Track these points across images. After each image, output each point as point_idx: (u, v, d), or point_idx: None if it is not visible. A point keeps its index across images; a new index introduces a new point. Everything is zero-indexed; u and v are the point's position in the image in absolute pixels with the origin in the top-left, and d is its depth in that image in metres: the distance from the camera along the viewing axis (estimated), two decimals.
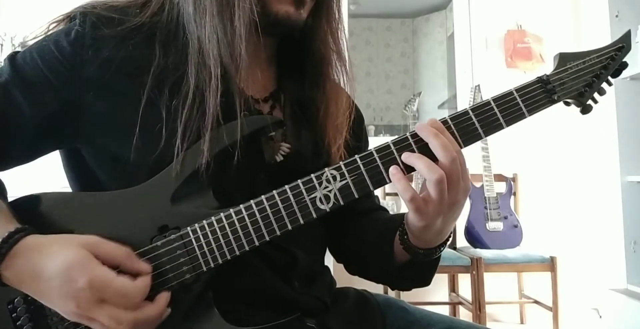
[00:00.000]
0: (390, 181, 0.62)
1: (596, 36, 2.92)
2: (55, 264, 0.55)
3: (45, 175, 0.89)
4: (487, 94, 2.61)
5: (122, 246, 0.59)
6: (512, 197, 2.80)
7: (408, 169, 0.62)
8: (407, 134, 0.64)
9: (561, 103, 0.67)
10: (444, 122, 0.63)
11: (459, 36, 3.29)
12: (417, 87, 5.70)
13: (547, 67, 3.04)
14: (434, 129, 0.61)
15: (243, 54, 0.65)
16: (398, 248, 0.72)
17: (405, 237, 0.69)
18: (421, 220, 0.63)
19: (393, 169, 0.61)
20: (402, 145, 0.63)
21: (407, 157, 0.61)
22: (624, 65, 0.67)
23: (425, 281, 0.78)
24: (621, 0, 2.35)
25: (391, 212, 0.88)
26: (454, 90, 3.72)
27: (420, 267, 0.74)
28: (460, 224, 2.76)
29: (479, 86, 2.86)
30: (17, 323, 0.60)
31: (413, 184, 2.63)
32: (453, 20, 3.41)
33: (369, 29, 5.85)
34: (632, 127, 2.29)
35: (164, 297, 0.59)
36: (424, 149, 0.62)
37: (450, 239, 0.71)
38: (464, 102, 3.11)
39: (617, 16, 2.35)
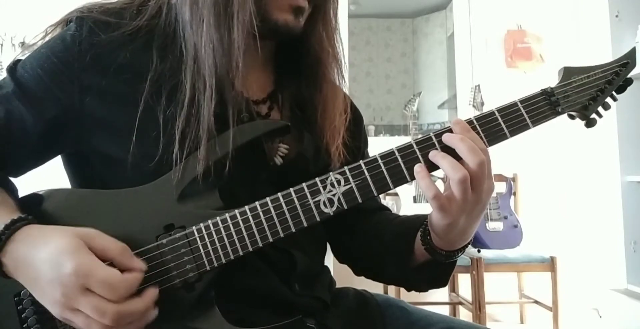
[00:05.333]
0: (410, 181, 0.63)
1: (596, 36, 2.91)
2: (47, 249, 0.55)
3: (46, 174, 0.89)
4: (487, 94, 2.60)
5: (119, 242, 0.58)
6: (512, 197, 2.80)
7: (430, 168, 0.62)
8: (431, 133, 0.64)
9: (565, 116, 0.68)
10: (449, 130, 0.63)
11: (459, 36, 3.29)
12: (417, 87, 5.70)
13: (547, 67, 3.04)
14: (458, 134, 0.62)
15: (240, 66, 0.65)
16: (418, 249, 0.72)
17: (428, 237, 0.69)
18: (444, 218, 0.63)
19: (417, 168, 0.62)
20: (425, 144, 0.63)
21: (433, 156, 0.62)
22: (629, 81, 0.67)
23: (442, 282, 0.77)
24: (621, 0, 2.35)
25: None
26: (454, 90, 3.72)
27: (439, 268, 0.73)
28: None
29: (479, 85, 2.85)
30: (22, 315, 0.61)
31: (412, 185, 2.60)
32: (453, 20, 3.41)
33: (369, 29, 5.86)
34: (632, 127, 2.29)
35: (151, 292, 0.58)
36: (448, 148, 0.62)
37: (471, 242, 0.71)
38: (464, 102, 3.11)
39: (617, 16, 2.35)
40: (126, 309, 0.55)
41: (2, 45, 2.89)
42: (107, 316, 0.54)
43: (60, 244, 0.55)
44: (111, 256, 0.57)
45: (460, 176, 0.59)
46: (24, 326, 0.61)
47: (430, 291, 0.78)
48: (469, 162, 0.60)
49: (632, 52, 0.68)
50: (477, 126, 0.64)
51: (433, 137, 0.63)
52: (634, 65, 0.67)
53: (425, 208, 2.68)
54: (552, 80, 0.67)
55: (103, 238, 0.58)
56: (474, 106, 2.78)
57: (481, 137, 0.64)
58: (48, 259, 0.55)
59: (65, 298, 0.54)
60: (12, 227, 0.58)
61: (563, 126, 3.05)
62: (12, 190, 0.68)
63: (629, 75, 0.67)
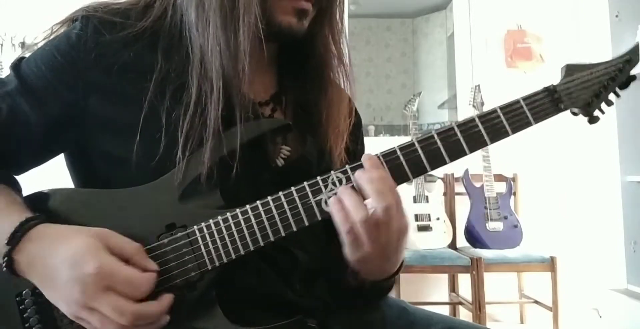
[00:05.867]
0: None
1: (596, 36, 2.92)
2: (66, 249, 0.56)
3: (49, 173, 0.89)
4: (487, 94, 2.60)
5: (133, 242, 0.59)
6: (512, 197, 2.80)
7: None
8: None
9: (567, 114, 0.68)
10: (450, 129, 0.64)
11: (459, 36, 3.29)
12: (417, 87, 5.70)
13: (547, 67, 3.04)
14: (368, 173, 0.61)
15: (246, 69, 0.65)
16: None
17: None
18: (354, 253, 0.62)
19: (333, 200, 0.61)
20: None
21: (341, 192, 0.61)
22: (632, 78, 0.67)
23: (378, 299, 0.78)
24: (621, 0, 2.35)
25: None
26: (454, 90, 3.72)
27: (369, 295, 0.73)
28: (460, 224, 2.76)
29: (479, 85, 2.86)
30: (24, 315, 0.61)
31: (412, 185, 2.59)
32: (453, 20, 3.41)
33: (369, 29, 5.85)
34: (632, 127, 2.29)
35: (167, 297, 0.59)
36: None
37: (400, 270, 0.70)
38: (464, 102, 3.11)
39: (617, 16, 2.35)
40: (144, 311, 0.56)
41: (2, 45, 2.89)
42: (126, 315, 0.55)
43: (80, 244, 0.56)
44: (127, 255, 0.58)
45: (361, 216, 0.58)
46: (26, 325, 0.61)
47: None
48: (375, 207, 0.59)
49: (635, 48, 0.67)
50: (479, 124, 0.64)
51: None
52: (637, 61, 0.67)
53: (425, 208, 2.68)
54: (552, 80, 0.67)
55: (118, 238, 0.59)
56: (474, 106, 2.78)
57: (483, 134, 0.64)
58: (67, 259, 0.56)
59: (84, 296, 0.55)
60: (27, 225, 0.58)
61: (563, 126, 3.05)
62: (18, 189, 0.68)
63: (631, 73, 0.67)
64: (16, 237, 0.57)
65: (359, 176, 0.61)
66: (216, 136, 0.64)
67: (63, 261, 0.56)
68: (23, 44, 2.85)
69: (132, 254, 0.58)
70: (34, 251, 0.58)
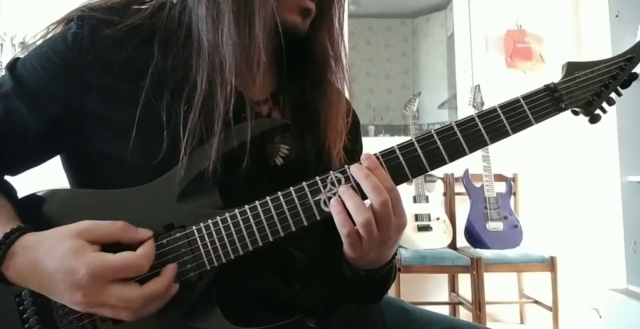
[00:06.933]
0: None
1: (596, 36, 2.92)
2: (53, 259, 0.56)
3: (45, 174, 0.89)
4: (487, 94, 2.59)
5: (115, 222, 0.59)
6: (512, 197, 2.80)
7: (362, 196, 0.62)
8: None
9: (568, 114, 0.68)
10: (450, 128, 0.63)
11: (459, 36, 3.29)
12: (417, 87, 5.70)
13: (547, 67, 3.05)
14: (366, 169, 0.61)
15: (262, 62, 0.65)
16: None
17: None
18: (353, 253, 0.63)
19: (334, 201, 0.61)
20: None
21: (342, 193, 0.61)
22: (634, 76, 0.66)
23: (375, 298, 0.78)
24: (621, 0, 2.35)
25: None
26: (454, 90, 3.72)
27: (367, 285, 0.73)
28: (460, 224, 2.76)
29: (479, 86, 2.86)
30: (24, 316, 0.61)
31: (412, 185, 2.57)
32: (453, 20, 3.42)
33: (369, 29, 5.85)
34: (632, 127, 2.29)
35: (170, 269, 0.60)
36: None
37: (396, 257, 0.71)
38: (464, 102, 3.11)
39: (617, 16, 2.35)
40: (149, 292, 0.57)
41: (2, 45, 2.89)
42: (133, 302, 0.56)
43: (64, 250, 0.56)
44: (115, 238, 0.58)
45: (363, 220, 0.59)
46: (26, 326, 0.61)
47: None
48: (372, 201, 0.60)
49: (638, 46, 0.67)
50: (479, 123, 0.64)
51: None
52: (639, 60, 0.66)
53: (425, 208, 2.68)
54: (552, 80, 0.67)
55: (99, 226, 0.59)
56: (474, 106, 2.78)
57: (482, 134, 0.63)
58: (58, 269, 0.55)
59: (88, 297, 0.55)
60: (7, 242, 0.58)
61: (563, 126, 3.05)
62: (9, 192, 0.67)
63: (634, 70, 0.66)
64: None
65: (356, 173, 0.61)
66: (223, 130, 0.64)
67: (55, 271, 0.56)
68: (23, 44, 2.85)
69: (118, 235, 0.58)
70: (21, 267, 0.57)
